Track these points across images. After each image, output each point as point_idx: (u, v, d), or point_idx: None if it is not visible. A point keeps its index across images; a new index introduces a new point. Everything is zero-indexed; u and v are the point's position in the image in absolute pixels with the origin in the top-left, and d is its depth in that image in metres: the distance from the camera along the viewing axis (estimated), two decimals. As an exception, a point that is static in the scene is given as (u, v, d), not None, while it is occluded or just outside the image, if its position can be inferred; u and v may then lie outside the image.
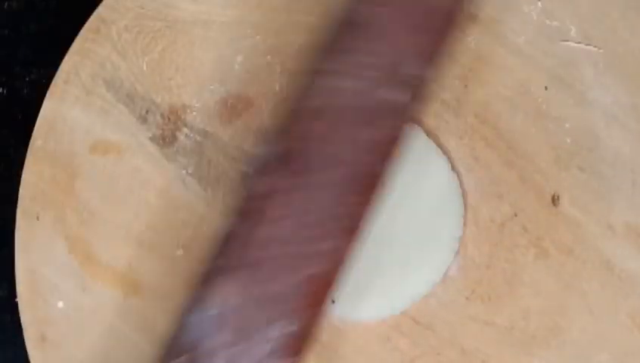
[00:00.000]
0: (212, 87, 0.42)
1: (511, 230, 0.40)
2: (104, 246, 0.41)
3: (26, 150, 0.42)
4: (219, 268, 0.36)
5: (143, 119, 0.42)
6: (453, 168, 0.41)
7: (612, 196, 0.40)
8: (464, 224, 0.40)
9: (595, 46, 0.40)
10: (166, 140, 0.42)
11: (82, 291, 0.41)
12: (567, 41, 0.41)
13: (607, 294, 0.40)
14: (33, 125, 0.42)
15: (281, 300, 0.35)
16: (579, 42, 0.41)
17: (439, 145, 0.41)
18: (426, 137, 0.41)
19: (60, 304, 0.41)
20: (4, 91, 0.47)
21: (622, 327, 0.40)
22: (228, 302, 0.35)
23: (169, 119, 0.42)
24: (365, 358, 0.41)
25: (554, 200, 0.40)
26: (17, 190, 0.42)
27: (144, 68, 0.42)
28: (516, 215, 0.40)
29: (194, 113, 0.42)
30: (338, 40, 0.37)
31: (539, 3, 0.41)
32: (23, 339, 0.42)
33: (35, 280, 0.42)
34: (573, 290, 0.40)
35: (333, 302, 0.40)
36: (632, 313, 0.40)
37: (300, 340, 0.36)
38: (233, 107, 0.42)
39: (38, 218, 0.42)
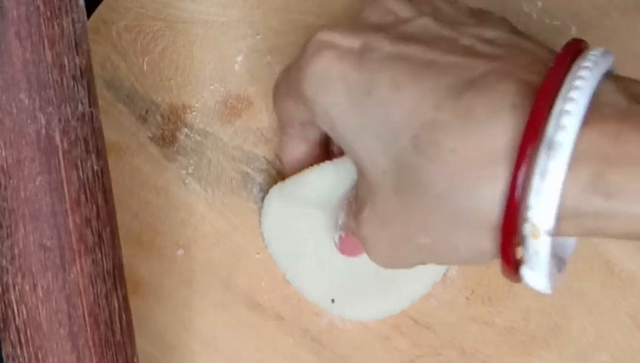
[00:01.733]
0: (212, 87, 0.42)
1: (511, 230, 0.40)
2: (103, 246, 0.41)
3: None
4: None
5: (143, 119, 0.42)
6: None
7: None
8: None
9: (595, 46, 0.40)
10: (166, 140, 0.42)
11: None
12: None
13: (607, 294, 0.40)
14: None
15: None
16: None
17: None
18: None
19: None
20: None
21: (622, 327, 0.40)
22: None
23: (169, 119, 0.42)
24: (365, 358, 0.41)
25: (554, 200, 0.40)
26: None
27: (144, 68, 0.42)
28: (516, 215, 0.40)
29: (194, 113, 0.42)
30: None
31: (539, 3, 0.41)
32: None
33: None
34: (573, 290, 0.40)
35: (333, 301, 0.40)
36: (632, 313, 0.40)
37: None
38: (233, 107, 0.42)
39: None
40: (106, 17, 0.42)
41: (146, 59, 0.42)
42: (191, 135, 0.42)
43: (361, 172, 0.32)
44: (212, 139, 0.42)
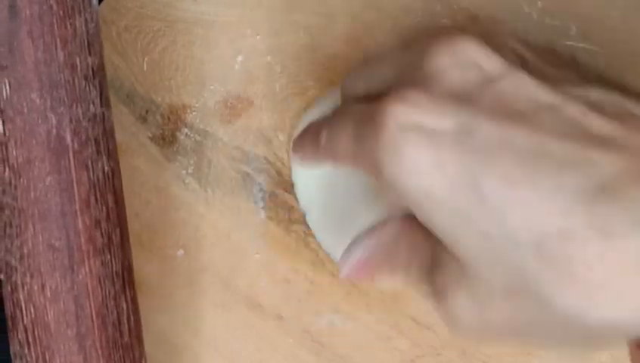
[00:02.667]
0: (212, 87, 0.42)
1: (511, 230, 0.40)
2: (104, 246, 0.41)
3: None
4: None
5: (143, 119, 0.42)
6: None
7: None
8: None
9: (595, 46, 0.40)
10: (166, 140, 0.42)
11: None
12: (567, 41, 0.41)
13: (607, 294, 0.40)
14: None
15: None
16: (579, 42, 0.41)
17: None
18: None
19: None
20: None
21: (623, 327, 0.40)
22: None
23: (169, 119, 0.42)
24: (365, 358, 0.41)
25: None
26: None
27: (144, 68, 0.42)
28: (516, 215, 0.40)
29: (194, 113, 0.42)
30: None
31: (539, 3, 0.41)
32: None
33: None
34: (573, 290, 0.40)
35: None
36: (632, 313, 0.40)
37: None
38: (233, 107, 0.42)
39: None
40: (106, 17, 0.42)
41: (146, 59, 0.42)
42: (191, 135, 0.42)
43: (456, 255, 0.28)
44: (212, 139, 0.42)
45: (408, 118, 0.27)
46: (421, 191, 0.27)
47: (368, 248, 0.33)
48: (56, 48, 0.33)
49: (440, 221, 0.27)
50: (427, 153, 0.27)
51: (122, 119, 0.42)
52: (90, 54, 0.35)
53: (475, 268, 0.27)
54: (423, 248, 0.31)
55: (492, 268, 0.27)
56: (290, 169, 0.41)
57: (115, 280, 0.35)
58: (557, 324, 0.26)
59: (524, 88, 0.27)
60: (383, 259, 0.33)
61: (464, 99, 0.27)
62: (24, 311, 0.34)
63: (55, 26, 0.33)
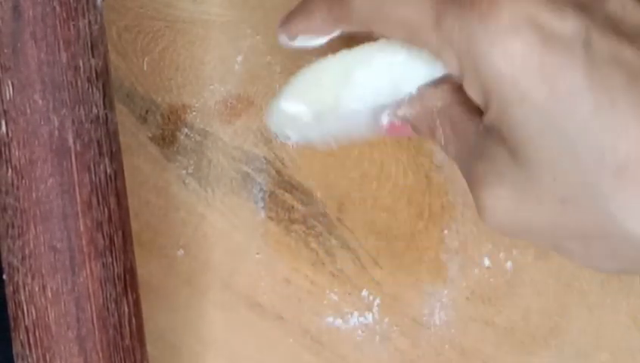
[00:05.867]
0: (212, 87, 0.42)
1: (511, 230, 0.40)
2: (104, 246, 0.41)
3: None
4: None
5: (143, 119, 0.42)
6: None
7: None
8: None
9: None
10: (166, 140, 0.42)
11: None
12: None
13: (607, 294, 0.40)
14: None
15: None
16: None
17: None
18: None
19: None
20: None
21: (622, 327, 0.40)
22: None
23: (169, 119, 0.42)
24: (365, 358, 0.41)
25: (554, 200, 0.40)
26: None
27: (144, 68, 0.42)
28: (516, 215, 0.40)
29: (194, 113, 0.42)
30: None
31: (539, 3, 0.41)
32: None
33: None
34: (573, 290, 0.40)
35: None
36: (632, 313, 0.40)
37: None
38: (233, 107, 0.42)
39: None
40: (106, 17, 0.42)
41: (146, 59, 0.42)
42: (191, 135, 0.42)
43: (516, 152, 0.27)
44: (212, 139, 0.42)
45: (526, 9, 0.26)
46: (517, 89, 0.26)
47: (412, 110, 0.32)
48: (59, 50, 0.33)
49: (525, 119, 0.26)
50: (538, 53, 0.25)
51: (122, 119, 0.42)
52: (93, 55, 0.35)
53: (538, 169, 0.27)
54: (465, 129, 0.30)
55: (560, 175, 0.26)
56: (290, 169, 0.41)
57: (116, 282, 0.35)
58: (611, 242, 0.27)
59: (628, 8, 0.27)
60: (425, 125, 0.32)
61: (581, 7, 0.26)
62: (25, 313, 0.34)
63: (58, 28, 0.33)
